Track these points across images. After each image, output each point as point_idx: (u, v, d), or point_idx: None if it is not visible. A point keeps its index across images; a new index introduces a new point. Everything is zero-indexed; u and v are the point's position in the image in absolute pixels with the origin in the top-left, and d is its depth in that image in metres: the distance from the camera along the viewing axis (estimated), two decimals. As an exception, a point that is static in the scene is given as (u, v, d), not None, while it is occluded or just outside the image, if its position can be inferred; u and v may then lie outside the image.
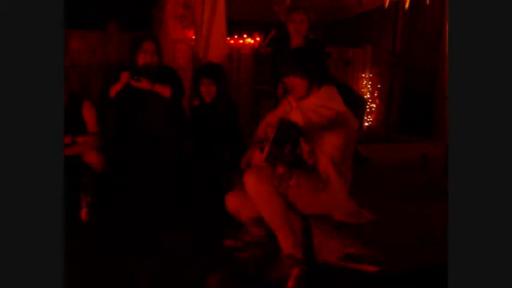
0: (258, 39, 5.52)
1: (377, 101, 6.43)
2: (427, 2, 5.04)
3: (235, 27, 5.43)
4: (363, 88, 6.32)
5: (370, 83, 6.38)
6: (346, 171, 2.19)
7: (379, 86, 6.44)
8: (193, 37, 4.55)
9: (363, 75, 6.34)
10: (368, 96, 6.34)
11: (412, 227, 2.67)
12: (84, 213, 2.80)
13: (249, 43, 5.68)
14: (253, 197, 2.06)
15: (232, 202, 2.26)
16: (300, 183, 2.07)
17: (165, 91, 3.18)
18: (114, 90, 3.13)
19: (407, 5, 5.29)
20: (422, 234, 2.56)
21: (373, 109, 6.42)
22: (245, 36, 5.81)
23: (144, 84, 3.12)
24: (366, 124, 6.21)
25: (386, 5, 5.28)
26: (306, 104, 2.22)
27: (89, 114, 2.95)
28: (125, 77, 3.11)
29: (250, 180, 2.06)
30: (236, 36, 5.78)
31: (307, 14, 3.73)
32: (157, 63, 3.24)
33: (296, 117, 2.18)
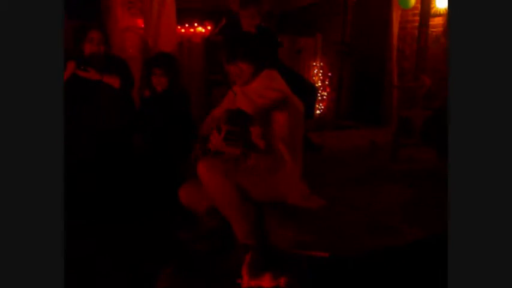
0: (209, 27, 5.47)
1: (328, 89, 6.55)
2: (375, -8, 5.17)
3: (185, 15, 5.35)
4: (314, 76, 6.41)
5: (321, 71, 6.48)
6: (298, 154, 2.23)
7: (329, 74, 6.55)
8: (143, 25, 4.45)
9: (314, 63, 6.43)
10: (319, 84, 6.43)
11: (363, 212, 2.76)
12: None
13: (200, 32, 5.62)
14: (207, 186, 2.06)
15: (186, 194, 2.25)
16: (257, 164, 2.09)
17: (114, 81, 3.09)
18: (59, 80, 3.01)
19: (356, -5, 5.42)
20: (373, 219, 2.65)
21: (324, 97, 6.53)
22: (196, 24, 5.74)
23: (91, 74, 3.02)
24: (318, 112, 6.31)
25: (336, -6, 5.37)
26: (249, 89, 2.24)
27: None
28: (70, 66, 3.00)
29: (203, 170, 2.05)
30: (187, 25, 5.70)
31: (258, 8, 3.72)
32: (104, 52, 3.14)
33: (242, 103, 2.19)
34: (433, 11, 4.95)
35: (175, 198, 2.30)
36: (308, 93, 3.90)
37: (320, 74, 6.47)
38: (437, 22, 5.02)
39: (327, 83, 6.54)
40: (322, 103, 6.49)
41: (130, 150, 3.05)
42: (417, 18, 5.09)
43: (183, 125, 3.07)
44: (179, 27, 5.17)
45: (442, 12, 4.93)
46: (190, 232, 2.39)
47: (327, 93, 6.55)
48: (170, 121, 3.07)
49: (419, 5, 4.99)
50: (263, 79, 2.24)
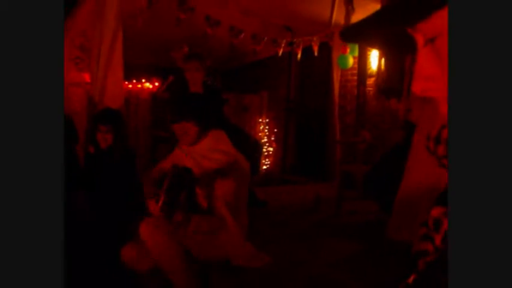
0: (156, 84, 5.53)
1: (274, 144, 6.70)
2: (315, 53, 5.48)
3: (133, 71, 5.40)
4: (260, 132, 6.56)
5: (267, 127, 6.65)
6: (242, 214, 2.23)
7: (275, 130, 6.73)
8: (89, 80, 4.44)
9: (260, 120, 6.60)
10: (265, 140, 6.58)
11: (307, 267, 2.79)
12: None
13: (147, 88, 5.67)
14: (150, 247, 2.02)
15: (129, 254, 2.18)
16: (198, 228, 2.07)
17: (57, 138, 3.03)
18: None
19: (299, 55, 5.71)
20: (317, 274, 2.69)
21: (270, 152, 6.66)
22: (143, 80, 5.79)
23: (33, 130, 2.96)
24: (264, 167, 6.41)
25: (280, 53, 5.64)
26: (196, 149, 2.26)
27: None
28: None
29: (146, 230, 2.02)
30: (134, 81, 5.74)
31: (202, 62, 3.84)
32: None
33: (188, 163, 2.20)
34: (369, 72, 5.30)
35: (119, 258, 2.23)
36: (253, 149, 3.99)
37: (266, 130, 6.63)
38: (373, 82, 5.36)
39: (273, 138, 6.70)
40: (268, 158, 6.61)
41: (73, 208, 2.96)
42: (355, 77, 5.41)
43: (127, 182, 3.03)
44: (126, 82, 5.20)
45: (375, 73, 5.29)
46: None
47: (273, 149, 6.70)
48: (115, 178, 3.02)
49: (357, 66, 5.33)
50: (210, 140, 2.26)
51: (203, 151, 2.23)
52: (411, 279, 0.63)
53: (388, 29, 0.53)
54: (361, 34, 0.55)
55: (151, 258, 2.06)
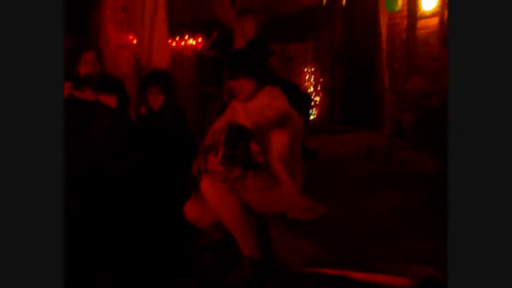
0: (199, 40, 5.49)
1: (320, 94, 6.60)
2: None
3: (175, 28, 5.37)
4: (306, 82, 6.46)
5: (312, 76, 6.53)
6: (296, 169, 2.24)
7: (321, 79, 6.60)
8: (135, 42, 4.48)
9: (305, 69, 6.48)
10: (311, 90, 6.48)
11: (362, 216, 2.82)
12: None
13: (191, 44, 5.64)
14: (211, 201, 2.09)
15: (191, 211, 2.25)
16: (255, 183, 2.11)
17: (110, 101, 3.11)
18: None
19: (344, 1, 5.49)
20: (372, 223, 2.71)
21: (317, 102, 6.57)
22: (187, 37, 5.75)
23: (87, 94, 3.04)
24: (311, 117, 6.35)
25: (324, 2, 5.45)
26: (251, 106, 2.26)
27: None
28: (66, 87, 3.02)
29: (207, 186, 2.08)
30: (177, 38, 5.72)
31: (255, 17, 3.79)
32: (99, 72, 3.17)
33: (243, 119, 2.22)
34: (419, 13, 5.03)
35: (179, 213, 2.32)
36: (302, 103, 3.95)
37: (312, 80, 6.52)
38: (424, 24, 5.10)
39: (319, 88, 6.59)
40: (315, 108, 6.53)
41: (133, 168, 3.07)
42: (405, 20, 5.17)
43: (181, 140, 3.10)
44: (170, 40, 5.19)
45: (428, 14, 5.01)
46: (194, 245, 2.41)
47: (320, 99, 6.59)
48: (167, 138, 3.10)
49: (406, 8, 5.08)
50: (265, 97, 2.25)
51: (257, 107, 2.23)
52: None
53: None
54: None
55: (212, 214, 2.13)
